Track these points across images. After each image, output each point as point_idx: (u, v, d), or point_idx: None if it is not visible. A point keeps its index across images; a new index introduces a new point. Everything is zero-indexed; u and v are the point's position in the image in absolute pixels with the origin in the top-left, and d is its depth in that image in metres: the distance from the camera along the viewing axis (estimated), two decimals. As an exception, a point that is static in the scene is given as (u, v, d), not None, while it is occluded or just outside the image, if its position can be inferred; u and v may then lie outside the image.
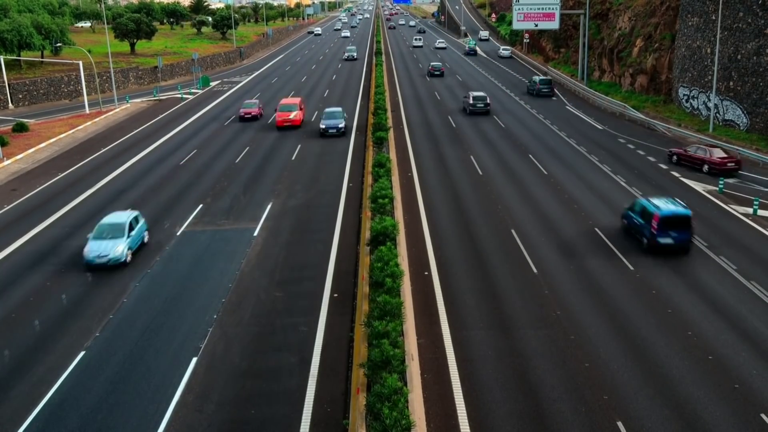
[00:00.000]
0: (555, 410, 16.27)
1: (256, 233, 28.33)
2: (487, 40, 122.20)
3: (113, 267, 24.77)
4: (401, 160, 40.20)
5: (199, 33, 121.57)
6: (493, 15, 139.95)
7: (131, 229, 26.08)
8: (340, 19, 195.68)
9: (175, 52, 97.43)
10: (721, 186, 33.65)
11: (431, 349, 19.01)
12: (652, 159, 40.37)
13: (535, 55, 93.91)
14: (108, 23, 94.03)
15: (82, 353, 19.13)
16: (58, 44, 73.67)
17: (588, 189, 34.19)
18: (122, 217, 26.52)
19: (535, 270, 24.23)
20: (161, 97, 68.81)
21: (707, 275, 23.78)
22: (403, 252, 24.69)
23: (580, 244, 26.63)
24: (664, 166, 38.61)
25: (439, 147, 43.92)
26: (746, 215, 30.05)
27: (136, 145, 46.78)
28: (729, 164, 36.27)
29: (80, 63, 64.47)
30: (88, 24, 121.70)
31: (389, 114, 49.95)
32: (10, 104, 64.41)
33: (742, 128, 44.95)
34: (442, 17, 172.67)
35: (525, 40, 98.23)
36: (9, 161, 41.45)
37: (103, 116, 57.26)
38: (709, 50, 47.97)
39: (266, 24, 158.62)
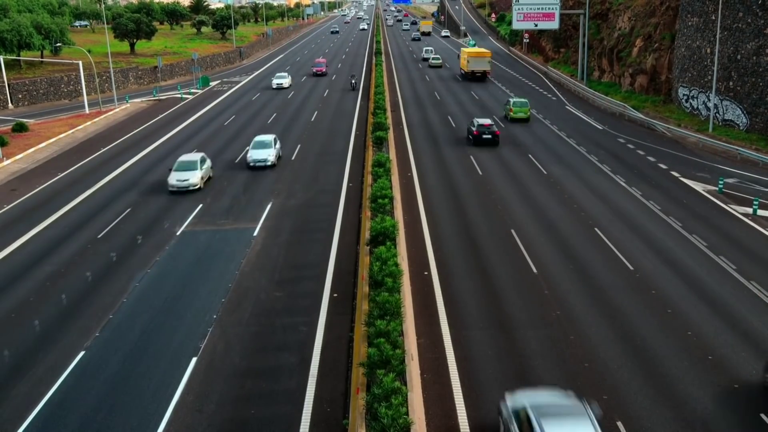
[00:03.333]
0: (555, 410, 16.24)
1: (255, 233, 28.34)
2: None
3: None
4: (401, 160, 40.21)
5: (198, 33, 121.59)
6: (493, 15, 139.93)
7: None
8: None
9: (174, 52, 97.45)
10: (720, 186, 33.67)
11: (431, 349, 19.02)
12: (651, 159, 40.39)
13: (535, 55, 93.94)
14: (108, 23, 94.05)
15: (82, 353, 19.13)
16: (58, 44, 73.68)
17: (588, 189, 34.20)
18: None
19: (535, 270, 24.24)
20: (161, 97, 68.81)
21: (707, 275, 23.79)
22: (403, 252, 24.68)
23: (579, 244, 26.64)
24: (663, 166, 38.63)
25: (439, 147, 43.94)
26: (746, 215, 30.07)
27: (136, 145, 46.78)
28: None
29: (80, 63, 64.48)
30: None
31: (389, 114, 49.98)
32: (10, 104, 64.42)
33: (741, 128, 44.96)
34: (442, 17, 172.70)
35: (525, 40, 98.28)
36: (9, 161, 41.45)
37: (102, 116, 57.25)
38: (708, 50, 47.98)
39: (266, 24, 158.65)
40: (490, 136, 43.91)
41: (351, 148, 43.91)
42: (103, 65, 73.68)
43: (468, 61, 74.63)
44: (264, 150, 39.15)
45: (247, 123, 53.42)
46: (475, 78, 74.31)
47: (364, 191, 32.04)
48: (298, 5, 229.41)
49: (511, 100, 52.65)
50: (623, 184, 34.93)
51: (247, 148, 41.22)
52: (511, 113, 51.72)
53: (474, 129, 44.40)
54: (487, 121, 45.00)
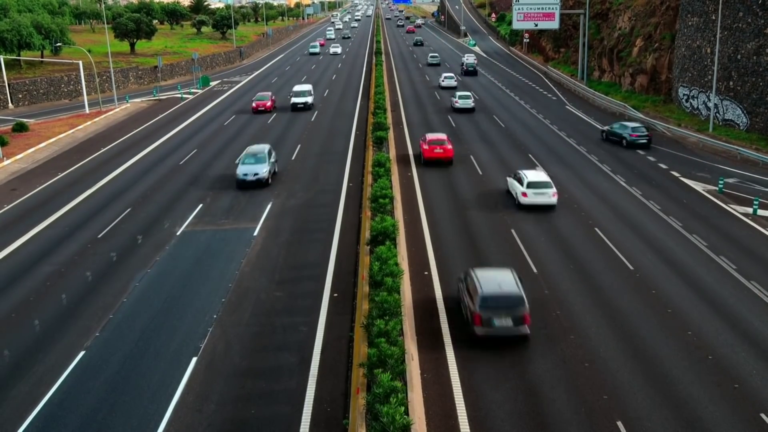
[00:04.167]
0: (555, 410, 16.27)
1: (256, 233, 28.34)
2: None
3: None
4: (401, 160, 40.20)
5: (199, 33, 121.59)
6: (493, 15, 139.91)
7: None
8: None
9: (175, 51, 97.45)
10: (720, 186, 33.66)
11: (431, 349, 19.01)
12: (652, 159, 40.38)
13: (535, 55, 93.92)
14: (108, 23, 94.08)
15: (82, 353, 19.13)
16: (58, 44, 73.69)
17: (588, 189, 34.19)
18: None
19: (535, 270, 24.23)
20: (161, 97, 68.82)
21: (707, 275, 23.78)
22: (403, 252, 24.69)
23: (579, 244, 26.64)
24: (663, 166, 38.62)
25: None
26: (746, 215, 30.06)
27: (136, 145, 46.79)
28: None
29: (80, 63, 64.48)
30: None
31: (389, 114, 49.98)
32: (10, 104, 64.43)
33: (741, 128, 44.96)
34: (442, 17, 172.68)
35: (525, 40, 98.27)
36: (9, 161, 41.45)
37: (102, 116, 57.26)
38: (709, 50, 47.97)
39: (266, 24, 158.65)
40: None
41: (351, 147, 43.91)
42: (103, 65, 73.69)
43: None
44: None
45: (247, 123, 53.40)
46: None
47: (364, 191, 32.04)
48: (298, 5, 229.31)
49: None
50: (623, 184, 34.92)
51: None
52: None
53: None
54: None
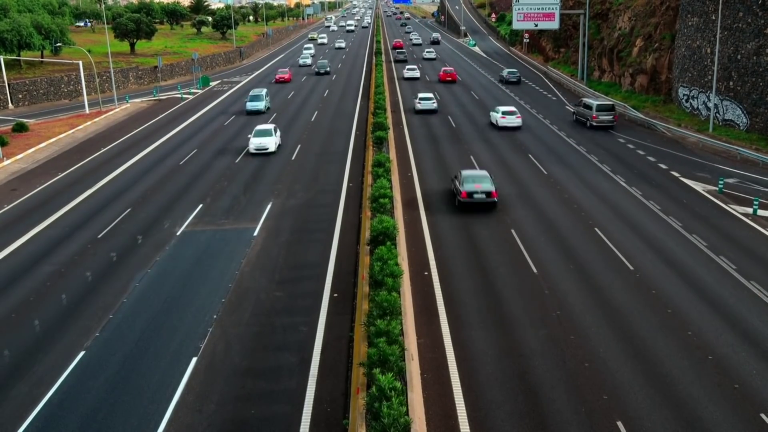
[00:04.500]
0: (555, 410, 16.26)
1: (256, 233, 28.34)
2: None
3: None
4: (401, 160, 40.22)
5: (199, 33, 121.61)
6: (493, 15, 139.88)
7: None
8: None
9: (175, 52, 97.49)
10: (720, 186, 33.66)
11: (431, 349, 19.01)
12: (651, 159, 40.38)
13: (535, 55, 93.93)
14: (108, 23, 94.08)
15: (82, 353, 19.13)
16: (58, 44, 73.72)
17: (588, 189, 34.19)
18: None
19: (535, 270, 24.23)
20: (161, 97, 68.83)
21: (707, 275, 23.78)
22: (403, 252, 24.69)
23: (579, 244, 26.64)
24: (663, 166, 38.63)
25: (439, 147, 43.91)
26: (746, 215, 30.06)
27: (136, 145, 46.80)
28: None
29: (80, 63, 64.49)
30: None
31: (389, 114, 49.99)
32: (10, 104, 64.43)
33: (741, 128, 44.95)
34: (442, 17, 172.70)
35: (525, 40, 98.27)
36: (9, 161, 41.45)
37: (102, 116, 57.27)
38: (709, 50, 47.97)
39: (266, 24, 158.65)
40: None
41: (351, 148, 43.91)
42: (103, 65, 73.71)
43: None
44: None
45: (247, 123, 53.40)
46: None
47: (364, 191, 32.04)
48: (298, 5, 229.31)
49: None
50: (623, 184, 34.92)
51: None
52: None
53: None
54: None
